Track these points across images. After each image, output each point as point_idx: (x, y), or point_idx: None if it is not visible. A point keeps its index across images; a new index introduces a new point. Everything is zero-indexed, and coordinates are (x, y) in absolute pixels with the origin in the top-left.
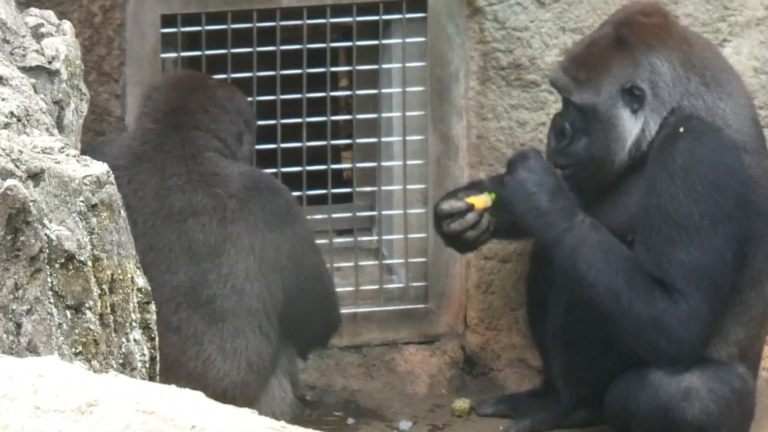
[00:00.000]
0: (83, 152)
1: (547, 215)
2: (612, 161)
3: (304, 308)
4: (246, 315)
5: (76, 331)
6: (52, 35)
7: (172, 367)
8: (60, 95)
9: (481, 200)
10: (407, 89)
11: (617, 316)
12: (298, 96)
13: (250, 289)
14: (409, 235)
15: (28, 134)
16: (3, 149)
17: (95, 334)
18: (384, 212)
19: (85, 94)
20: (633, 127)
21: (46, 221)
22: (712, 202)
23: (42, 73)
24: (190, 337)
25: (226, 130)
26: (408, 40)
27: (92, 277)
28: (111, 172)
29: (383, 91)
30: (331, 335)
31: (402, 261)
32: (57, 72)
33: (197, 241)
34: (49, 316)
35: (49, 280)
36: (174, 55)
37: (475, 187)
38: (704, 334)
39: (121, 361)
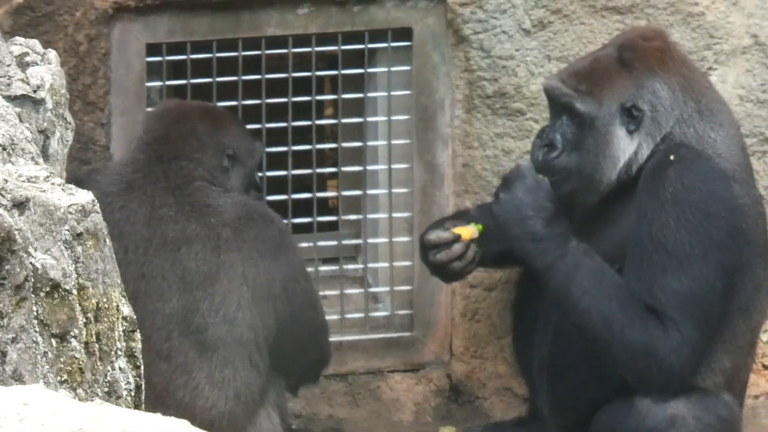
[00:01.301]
0: (73, 180)
1: (543, 241)
2: (600, 180)
3: (298, 338)
4: (236, 345)
5: (62, 359)
6: (37, 64)
7: (161, 396)
8: (45, 124)
9: (468, 231)
10: (392, 118)
11: (609, 343)
12: (284, 124)
13: (242, 319)
14: (395, 264)
15: (13, 163)
16: None
17: (80, 362)
18: (369, 240)
19: (70, 123)
20: (627, 148)
21: (31, 250)
22: (702, 230)
23: (27, 102)
24: (179, 366)
25: (209, 162)
26: (393, 68)
27: (77, 305)
28: (96, 201)
29: (368, 119)
30: (323, 368)
31: (387, 289)
32: (42, 101)
33: (190, 269)
34: (34, 345)
35: (34, 308)
36: (159, 83)
37: (462, 216)
38: (694, 362)
39: (106, 389)
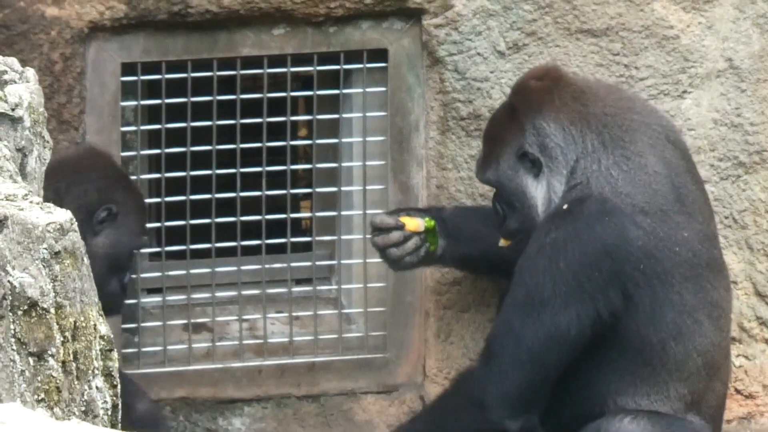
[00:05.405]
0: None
1: None
2: (534, 228)
3: None
4: None
5: (39, 378)
6: (15, 82)
7: None
8: (23, 142)
9: (414, 223)
10: (367, 139)
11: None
12: (258, 145)
13: None
14: (369, 285)
15: None
16: None
17: (58, 381)
18: (343, 261)
19: (48, 142)
20: (538, 192)
21: (9, 268)
22: (572, 282)
23: (5, 120)
24: None
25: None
26: (368, 89)
27: (55, 324)
28: (74, 219)
29: (343, 140)
30: None
31: (361, 310)
32: (20, 119)
33: None
34: (11, 363)
35: (11, 327)
36: (134, 103)
37: (426, 211)
38: (508, 399)
39: (83, 408)
